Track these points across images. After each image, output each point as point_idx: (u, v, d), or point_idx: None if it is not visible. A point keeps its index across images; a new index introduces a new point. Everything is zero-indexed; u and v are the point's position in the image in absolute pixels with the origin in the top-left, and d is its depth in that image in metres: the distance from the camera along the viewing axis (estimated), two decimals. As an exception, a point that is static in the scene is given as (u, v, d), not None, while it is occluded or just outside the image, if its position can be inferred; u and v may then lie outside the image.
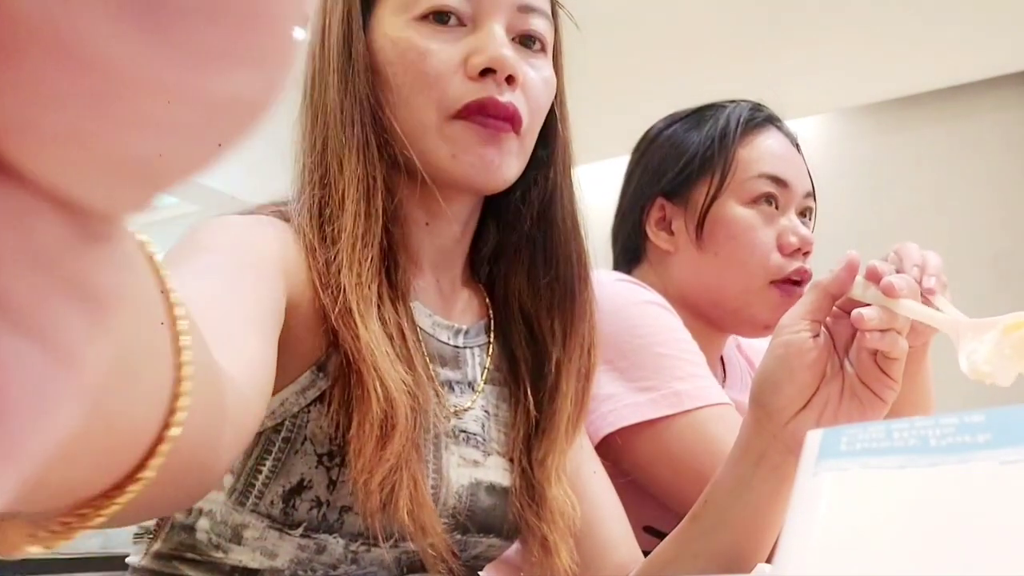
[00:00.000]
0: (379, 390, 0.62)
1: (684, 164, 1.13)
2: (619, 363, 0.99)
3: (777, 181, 1.10)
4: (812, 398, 0.67)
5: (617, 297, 1.04)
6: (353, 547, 0.67)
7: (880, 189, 3.46)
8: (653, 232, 1.15)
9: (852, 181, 3.49)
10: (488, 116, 0.69)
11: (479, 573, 0.81)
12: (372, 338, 0.64)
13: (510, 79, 0.69)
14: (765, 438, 0.70)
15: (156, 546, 0.70)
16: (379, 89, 0.71)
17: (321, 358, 0.66)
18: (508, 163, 0.71)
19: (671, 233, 1.14)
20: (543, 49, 0.75)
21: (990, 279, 3.18)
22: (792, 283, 1.09)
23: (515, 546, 0.80)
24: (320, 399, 0.66)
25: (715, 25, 3.70)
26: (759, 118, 1.14)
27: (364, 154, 0.69)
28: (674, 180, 1.14)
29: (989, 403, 0.34)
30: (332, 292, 0.65)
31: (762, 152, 1.11)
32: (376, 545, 0.67)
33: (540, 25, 0.73)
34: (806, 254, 1.09)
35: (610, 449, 0.97)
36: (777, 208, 1.10)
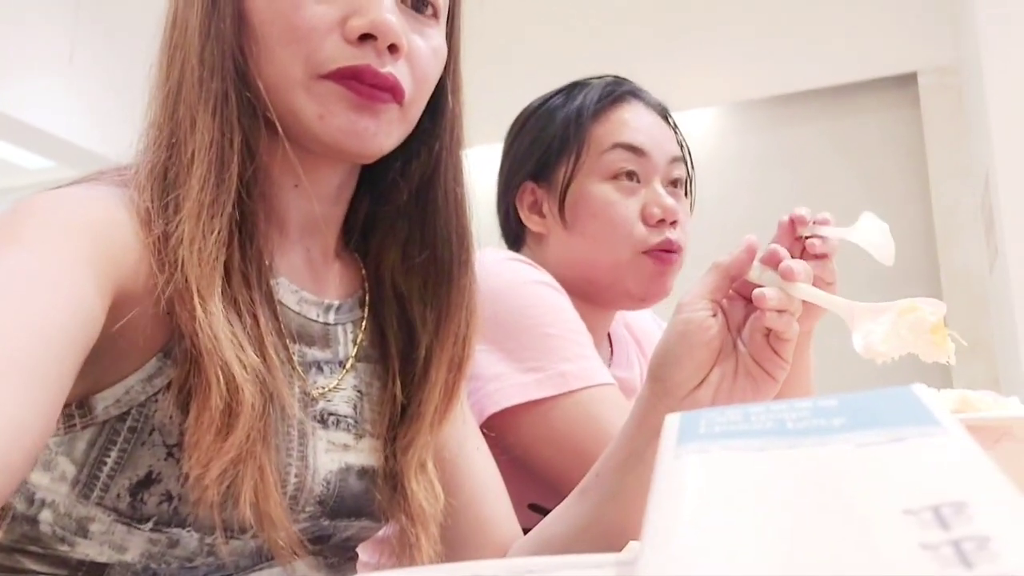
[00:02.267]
0: (220, 376, 0.57)
1: (545, 146, 1.14)
2: (506, 344, 0.99)
3: (633, 150, 1.11)
4: (708, 375, 0.68)
5: (506, 276, 1.04)
6: (209, 540, 0.63)
7: (766, 181, 3.57)
8: (526, 216, 1.17)
9: (740, 172, 3.59)
10: (363, 84, 0.63)
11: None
12: (214, 320, 0.58)
13: (392, 48, 0.64)
14: (661, 412, 0.70)
15: None
16: (245, 39, 0.64)
17: (167, 343, 0.61)
18: (387, 131, 0.66)
19: (543, 216, 1.15)
20: (435, 15, 0.69)
21: (863, 271, 3.33)
22: (664, 251, 1.10)
23: None
24: (168, 387, 0.61)
25: (613, 17, 3.74)
26: (616, 92, 1.15)
27: (222, 111, 0.62)
28: (539, 163, 1.15)
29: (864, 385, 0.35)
30: (169, 269, 0.59)
31: (616, 125, 1.12)
32: (234, 537, 0.64)
33: None
34: (673, 223, 1.10)
35: (495, 429, 0.96)
36: (639, 180, 1.11)
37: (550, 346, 0.98)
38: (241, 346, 0.59)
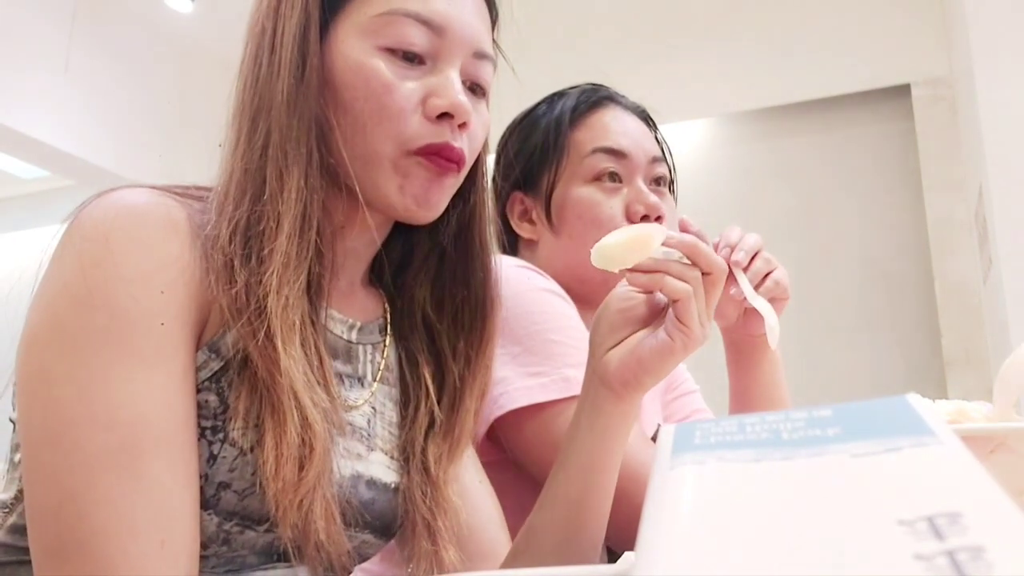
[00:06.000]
0: (296, 418, 0.63)
1: (529, 156, 1.17)
2: (512, 348, 0.99)
3: (614, 153, 1.13)
4: (625, 339, 0.73)
5: (514, 283, 1.04)
6: (227, 526, 0.65)
7: (759, 192, 3.58)
8: (517, 224, 1.20)
9: (733, 183, 3.60)
10: (442, 157, 0.72)
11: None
12: (293, 364, 0.64)
13: (463, 125, 0.73)
14: (588, 374, 0.76)
15: (12, 519, 0.66)
16: (331, 108, 0.71)
17: (214, 338, 0.65)
18: (446, 200, 0.75)
19: (532, 223, 1.18)
20: (485, 94, 0.78)
21: (858, 282, 3.34)
22: None
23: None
24: (211, 379, 0.64)
25: (608, 29, 3.76)
26: (593, 97, 1.18)
27: (307, 173, 0.68)
28: (524, 172, 1.18)
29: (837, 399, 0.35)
30: (250, 318, 0.63)
31: (596, 130, 1.15)
32: (250, 527, 0.65)
33: (487, 72, 0.77)
34: (658, 219, 1.11)
35: (499, 433, 0.97)
36: (621, 181, 1.13)
37: (555, 352, 0.99)
38: (314, 387, 0.65)
